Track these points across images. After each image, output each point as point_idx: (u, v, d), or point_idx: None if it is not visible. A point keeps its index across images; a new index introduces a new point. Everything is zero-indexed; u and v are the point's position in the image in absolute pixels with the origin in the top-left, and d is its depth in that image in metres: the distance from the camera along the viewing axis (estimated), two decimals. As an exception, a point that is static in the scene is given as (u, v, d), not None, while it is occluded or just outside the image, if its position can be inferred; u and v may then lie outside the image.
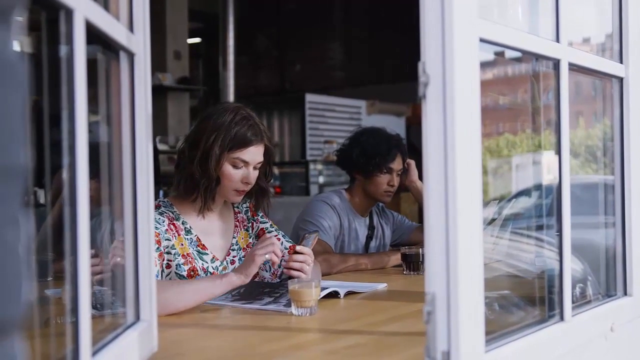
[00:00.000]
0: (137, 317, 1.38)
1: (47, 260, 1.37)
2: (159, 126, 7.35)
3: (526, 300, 1.73)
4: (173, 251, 2.18)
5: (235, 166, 2.22)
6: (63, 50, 1.02)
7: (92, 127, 1.09)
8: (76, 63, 1.01)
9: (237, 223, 2.41)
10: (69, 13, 1.00)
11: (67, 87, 1.01)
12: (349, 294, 2.21)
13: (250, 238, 2.42)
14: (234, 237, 2.38)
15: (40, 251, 1.40)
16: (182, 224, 2.25)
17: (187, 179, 2.23)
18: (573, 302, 1.59)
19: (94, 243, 1.07)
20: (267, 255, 2.01)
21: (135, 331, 1.33)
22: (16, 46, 0.54)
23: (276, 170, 7.92)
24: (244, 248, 2.38)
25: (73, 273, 1.01)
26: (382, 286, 2.39)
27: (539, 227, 1.98)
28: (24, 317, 0.55)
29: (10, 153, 0.51)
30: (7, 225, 0.51)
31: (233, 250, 2.36)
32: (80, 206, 1.01)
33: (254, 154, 2.24)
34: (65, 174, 1.01)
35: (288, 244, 2.42)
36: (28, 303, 0.55)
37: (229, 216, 2.40)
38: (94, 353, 1.09)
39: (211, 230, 2.32)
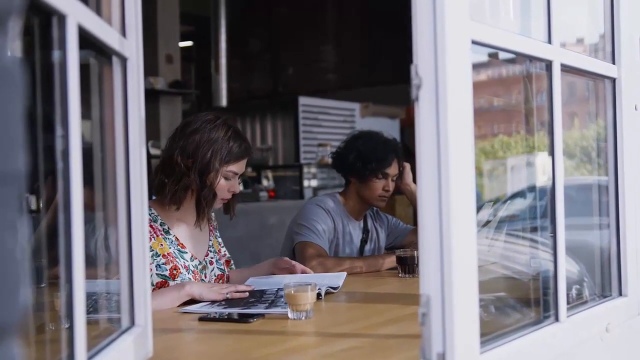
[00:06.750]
0: (132, 322, 1.38)
1: (42, 266, 1.36)
2: (152, 131, 7.32)
3: (521, 301, 1.73)
4: (151, 252, 2.23)
5: (226, 178, 2.34)
6: (55, 55, 1.01)
7: (84, 133, 1.09)
8: (69, 68, 1.01)
9: (212, 228, 2.53)
10: (62, 18, 1.00)
11: (60, 92, 1.01)
12: (329, 293, 2.25)
13: (219, 244, 2.55)
14: (210, 240, 2.49)
15: (35, 257, 1.40)
16: (160, 225, 2.33)
17: (182, 190, 2.29)
18: (569, 303, 1.59)
19: (87, 250, 1.06)
20: (228, 295, 2.15)
21: (130, 336, 1.32)
22: (13, 52, 0.54)
23: (270, 174, 7.90)
24: (217, 251, 2.51)
25: (67, 279, 1.01)
26: (343, 275, 2.45)
27: (534, 229, 1.98)
28: (22, 321, 0.55)
29: (9, 158, 0.51)
30: (6, 230, 0.51)
31: (211, 251, 2.47)
32: (74, 212, 1.01)
33: (244, 165, 2.39)
34: (59, 180, 1.01)
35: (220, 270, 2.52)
36: (26, 308, 0.55)
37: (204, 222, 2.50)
38: (89, 358, 1.09)
39: (189, 233, 2.40)
